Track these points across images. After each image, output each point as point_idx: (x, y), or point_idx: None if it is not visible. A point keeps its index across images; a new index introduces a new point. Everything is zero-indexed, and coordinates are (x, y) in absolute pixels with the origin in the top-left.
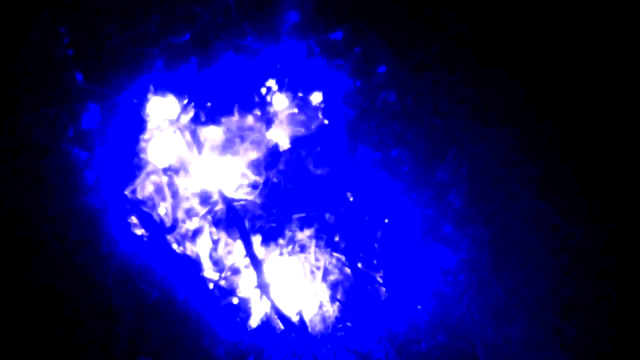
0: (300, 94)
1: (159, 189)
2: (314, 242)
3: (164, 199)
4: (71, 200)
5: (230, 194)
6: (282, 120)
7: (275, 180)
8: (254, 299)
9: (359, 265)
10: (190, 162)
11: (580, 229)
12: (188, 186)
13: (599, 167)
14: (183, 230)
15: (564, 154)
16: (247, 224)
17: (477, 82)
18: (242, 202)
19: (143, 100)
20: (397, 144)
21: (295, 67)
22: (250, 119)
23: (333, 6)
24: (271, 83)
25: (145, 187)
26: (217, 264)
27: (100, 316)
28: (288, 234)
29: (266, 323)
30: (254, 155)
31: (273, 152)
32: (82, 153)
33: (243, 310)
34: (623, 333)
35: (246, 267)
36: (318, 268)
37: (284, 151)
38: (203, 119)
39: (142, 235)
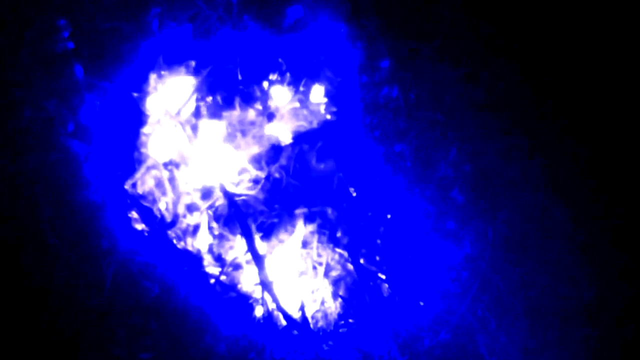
0: (302, 88)
1: (159, 184)
2: (316, 237)
3: (164, 193)
4: (71, 195)
5: (232, 188)
6: (284, 114)
7: (277, 175)
8: (255, 294)
9: (362, 261)
10: (191, 156)
11: (586, 227)
12: (189, 181)
13: (605, 164)
14: (184, 225)
15: (570, 151)
16: (248, 219)
17: (480, 78)
18: (244, 197)
19: (143, 94)
20: (400, 139)
21: (298, 61)
22: (251, 113)
23: (336, 0)
24: (273, 77)
25: (145, 182)
26: (218, 259)
27: (101, 313)
28: (290, 229)
29: (268, 319)
30: (255, 149)
31: (275, 147)
32: (82, 147)
33: (244, 306)
34: (628, 332)
35: (248, 262)
36: (320, 264)
37: (286, 146)
38: (204, 113)
39: (142, 231)
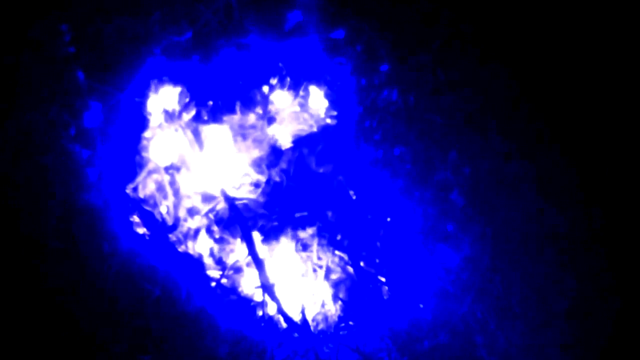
0: (302, 92)
1: (160, 188)
2: (316, 240)
3: (165, 197)
4: (73, 199)
5: (232, 192)
6: (284, 118)
7: (277, 178)
8: (256, 297)
9: (361, 263)
10: (192, 160)
11: (585, 228)
12: (190, 185)
13: (604, 167)
14: (185, 229)
15: (568, 154)
16: (249, 222)
17: (479, 81)
18: (244, 201)
19: (145, 99)
20: (399, 142)
21: (297, 66)
22: (252, 117)
23: (335, 5)
24: (273, 81)
25: (146, 186)
26: (219, 262)
27: (102, 315)
28: (290, 232)
29: (268, 322)
30: (256, 153)
31: (275, 151)
32: (84, 151)
33: (245, 309)
34: (627, 333)
35: (248, 265)
36: (320, 267)
37: (286, 149)
38: (205, 117)
39: (143, 234)
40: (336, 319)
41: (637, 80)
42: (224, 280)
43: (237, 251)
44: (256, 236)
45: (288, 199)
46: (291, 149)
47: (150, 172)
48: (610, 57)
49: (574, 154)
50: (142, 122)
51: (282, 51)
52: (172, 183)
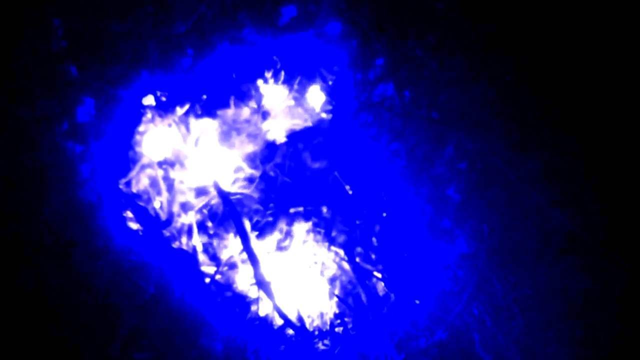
0: (296, 87)
1: (154, 183)
2: (311, 236)
3: (159, 192)
4: (66, 194)
5: (227, 187)
6: (278, 113)
7: (272, 173)
8: (251, 294)
9: (357, 260)
10: (185, 155)
11: (582, 225)
12: (184, 180)
13: (600, 162)
14: (179, 224)
15: (566, 149)
16: (243, 218)
17: (476, 76)
18: (239, 196)
19: (138, 93)
20: (395, 137)
21: (292, 60)
22: (246, 112)
23: None
24: (268, 75)
25: (140, 181)
26: (213, 258)
27: (96, 313)
28: (285, 228)
29: (264, 318)
30: (250, 148)
31: (270, 145)
32: (77, 146)
33: (240, 305)
34: (625, 330)
35: (243, 262)
36: (316, 263)
37: (281, 144)
38: (199, 112)
39: (137, 230)
40: (332, 316)
41: (637, 78)
42: (218, 277)
43: (231, 247)
44: (251, 232)
45: (283, 194)
46: (286, 143)
47: (143, 167)
48: (610, 53)
49: (571, 150)
50: (135, 117)
51: (276, 45)
52: (166, 178)
